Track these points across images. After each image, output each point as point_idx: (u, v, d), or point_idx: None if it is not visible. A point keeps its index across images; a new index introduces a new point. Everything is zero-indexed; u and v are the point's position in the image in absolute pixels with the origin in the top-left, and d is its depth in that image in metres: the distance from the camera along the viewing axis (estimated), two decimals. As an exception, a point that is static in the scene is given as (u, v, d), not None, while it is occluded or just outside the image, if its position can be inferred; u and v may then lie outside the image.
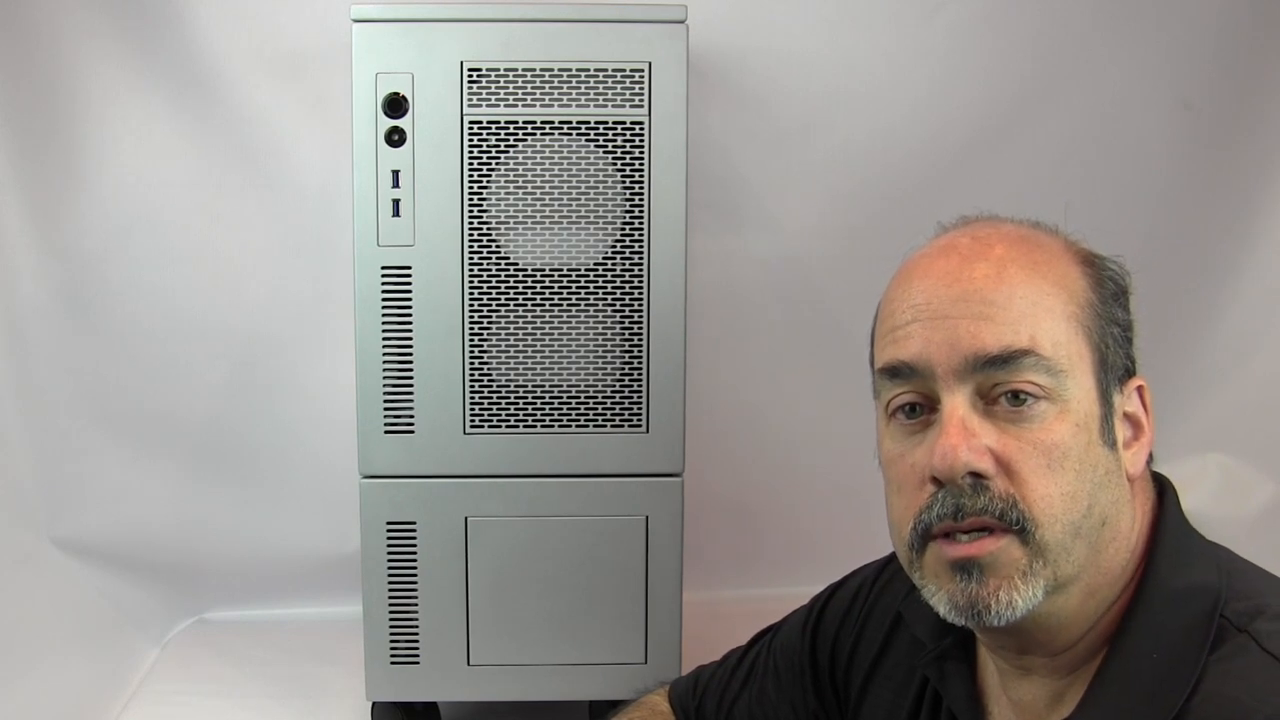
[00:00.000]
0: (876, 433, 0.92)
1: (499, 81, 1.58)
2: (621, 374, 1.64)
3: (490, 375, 1.63)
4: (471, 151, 1.59)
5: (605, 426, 1.64)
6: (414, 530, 1.66)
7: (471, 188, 1.60)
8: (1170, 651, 0.81)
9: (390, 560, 1.67)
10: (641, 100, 1.59)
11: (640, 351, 1.63)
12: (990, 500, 0.81)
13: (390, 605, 1.68)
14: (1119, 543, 0.86)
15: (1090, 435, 0.84)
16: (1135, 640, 0.83)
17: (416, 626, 1.68)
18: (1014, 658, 0.90)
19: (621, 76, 1.58)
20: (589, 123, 1.59)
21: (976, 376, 0.83)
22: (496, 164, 1.59)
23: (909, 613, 1.01)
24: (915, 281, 0.87)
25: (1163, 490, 0.91)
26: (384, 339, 1.62)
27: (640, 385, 1.64)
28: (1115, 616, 0.86)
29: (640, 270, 1.62)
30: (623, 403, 1.64)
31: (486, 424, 1.64)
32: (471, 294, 1.61)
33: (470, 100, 1.58)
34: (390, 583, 1.67)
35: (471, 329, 1.62)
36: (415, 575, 1.67)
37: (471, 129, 1.58)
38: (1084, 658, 0.87)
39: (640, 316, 1.63)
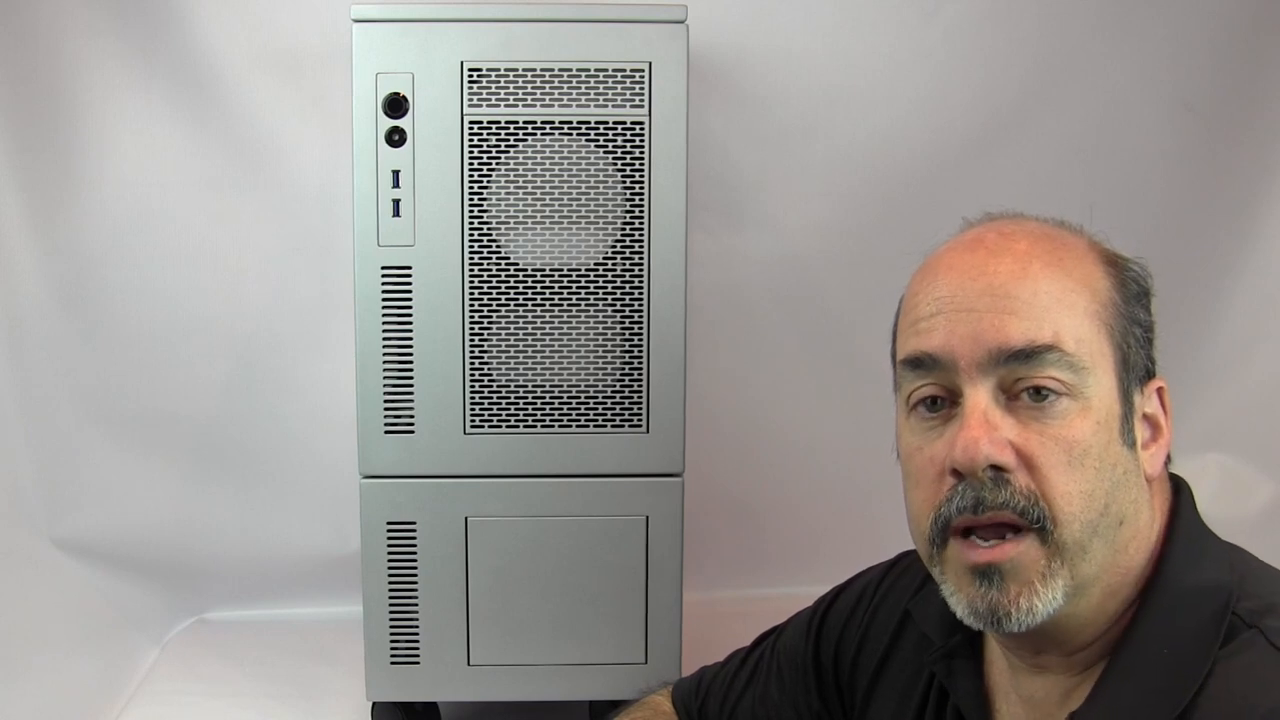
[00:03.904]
0: (895, 426, 0.91)
1: (499, 81, 1.58)
2: (621, 374, 1.64)
3: (490, 375, 1.63)
4: (471, 151, 1.59)
5: (605, 426, 1.64)
6: (414, 530, 1.66)
7: (471, 188, 1.60)
8: (1180, 648, 0.81)
9: (390, 560, 1.67)
10: (641, 100, 1.59)
11: (640, 351, 1.63)
12: (1011, 495, 0.81)
13: (390, 605, 1.67)
14: (1138, 543, 0.86)
15: (1111, 434, 0.84)
16: (1146, 637, 0.83)
17: (416, 626, 1.68)
18: (1029, 656, 0.90)
19: (621, 76, 1.58)
20: (589, 123, 1.59)
21: (999, 370, 0.83)
22: (496, 164, 1.59)
23: (917, 610, 1.01)
24: (940, 275, 0.87)
25: (1178, 491, 0.91)
26: (384, 339, 1.62)
27: (640, 385, 1.64)
28: (1132, 614, 0.86)
29: (640, 270, 1.62)
30: (623, 403, 1.64)
31: (486, 424, 1.64)
32: (471, 294, 1.61)
33: (470, 100, 1.58)
34: (390, 583, 1.67)
35: (471, 329, 1.62)
36: (415, 575, 1.67)
37: (471, 129, 1.58)
38: (1098, 655, 0.87)
39: (640, 316, 1.62)
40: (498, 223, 1.60)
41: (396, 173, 1.59)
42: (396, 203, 1.59)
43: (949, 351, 0.84)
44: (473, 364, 1.62)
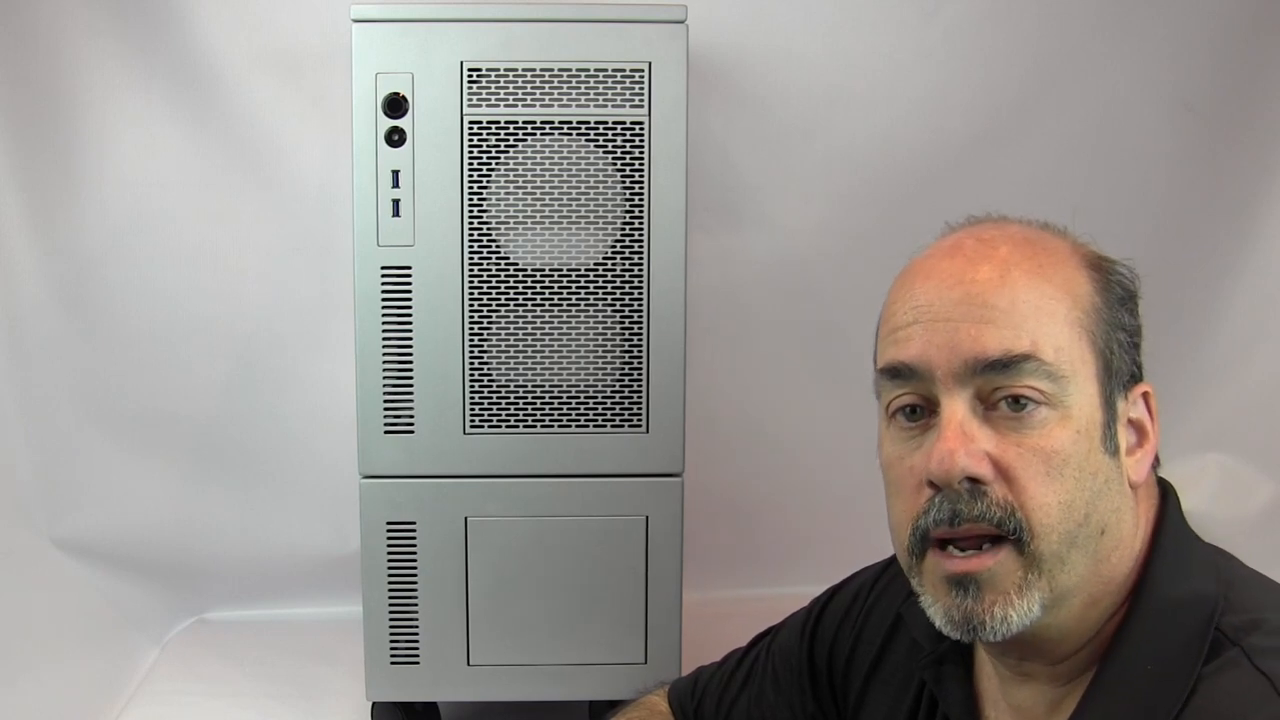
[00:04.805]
0: (878, 433, 0.91)
1: (499, 81, 1.58)
2: (621, 374, 1.64)
3: (490, 375, 1.63)
4: (471, 151, 1.59)
5: (605, 426, 1.64)
6: (414, 530, 1.66)
7: (471, 188, 1.60)
8: (1164, 663, 0.81)
9: (390, 560, 1.67)
10: (641, 100, 1.59)
11: (640, 351, 1.63)
12: (988, 507, 0.80)
13: (390, 605, 1.68)
14: (1121, 551, 0.85)
15: (1091, 442, 0.82)
16: (1130, 650, 0.83)
17: (416, 626, 1.68)
18: (1014, 664, 0.89)
19: (621, 76, 1.58)
20: (589, 123, 1.59)
21: (976, 380, 0.82)
22: (496, 164, 1.59)
23: (909, 614, 0.99)
24: (918, 282, 0.86)
25: (1165, 496, 0.90)
26: (384, 339, 1.62)
27: (640, 385, 1.64)
28: (1116, 625, 0.85)
29: (640, 270, 1.62)
30: (623, 403, 1.64)
31: (486, 424, 1.64)
32: (471, 294, 1.61)
33: (470, 100, 1.58)
34: (390, 583, 1.67)
35: (471, 329, 1.62)
36: (415, 575, 1.67)
37: (471, 129, 1.59)
38: (1085, 665, 0.86)
39: (640, 316, 1.63)
40: (497, 223, 1.60)
41: (396, 173, 1.59)
42: (396, 203, 1.59)
43: (925, 361, 0.83)
44: (473, 364, 1.62)
